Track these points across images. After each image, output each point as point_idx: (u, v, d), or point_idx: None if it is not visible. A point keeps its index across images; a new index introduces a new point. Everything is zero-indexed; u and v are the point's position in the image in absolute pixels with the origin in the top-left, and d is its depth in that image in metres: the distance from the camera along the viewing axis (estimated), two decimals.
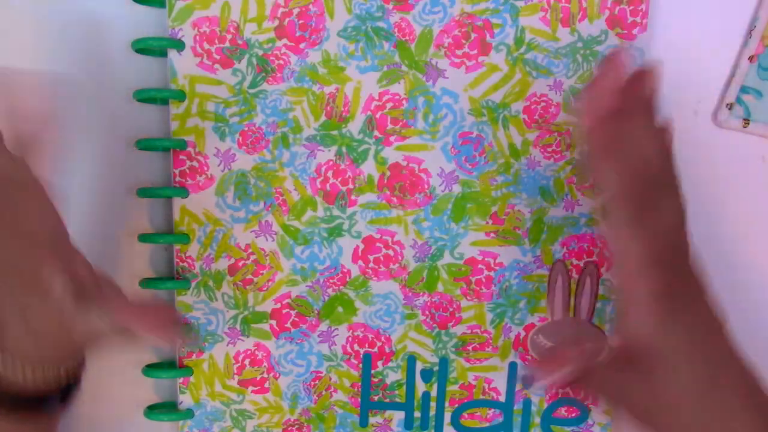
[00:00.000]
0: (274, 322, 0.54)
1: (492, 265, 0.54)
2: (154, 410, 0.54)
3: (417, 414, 0.55)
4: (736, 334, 0.57)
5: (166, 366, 0.54)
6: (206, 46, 0.51)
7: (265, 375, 0.55)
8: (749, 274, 0.57)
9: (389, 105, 0.52)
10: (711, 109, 0.56)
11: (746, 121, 0.55)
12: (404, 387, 0.55)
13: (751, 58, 0.54)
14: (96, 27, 0.52)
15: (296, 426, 0.55)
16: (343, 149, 0.53)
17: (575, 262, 0.54)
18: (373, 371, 0.55)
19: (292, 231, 0.53)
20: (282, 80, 0.52)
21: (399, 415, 0.55)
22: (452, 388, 0.55)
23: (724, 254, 0.57)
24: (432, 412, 0.55)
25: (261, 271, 0.53)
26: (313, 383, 0.55)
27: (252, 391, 0.55)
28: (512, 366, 0.55)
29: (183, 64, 0.51)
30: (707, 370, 0.43)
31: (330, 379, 0.55)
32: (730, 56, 0.55)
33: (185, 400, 0.54)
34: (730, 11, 0.55)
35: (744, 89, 0.55)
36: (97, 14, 0.52)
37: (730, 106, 0.55)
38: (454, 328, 0.55)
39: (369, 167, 0.53)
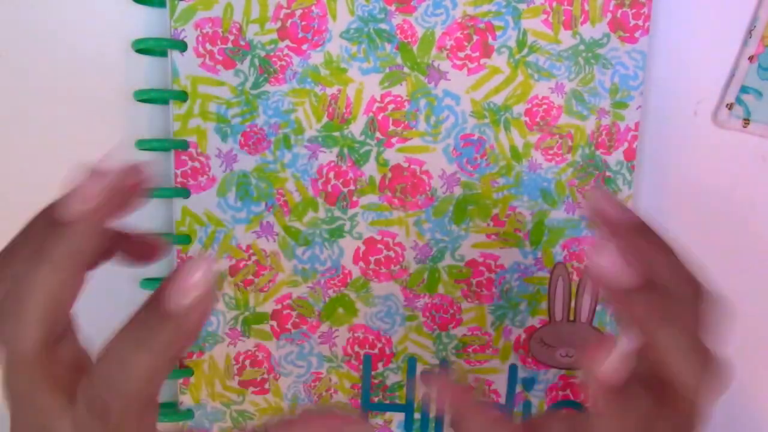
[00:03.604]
0: (274, 323, 0.54)
1: (493, 267, 0.54)
2: None
3: (417, 415, 0.55)
4: (737, 337, 0.57)
5: None
6: (209, 47, 0.51)
7: (266, 376, 0.55)
8: (749, 274, 0.57)
9: (391, 107, 0.52)
10: (711, 109, 0.56)
11: (746, 121, 0.55)
12: (404, 388, 0.55)
13: (751, 58, 0.55)
14: (96, 27, 0.52)
15: None
16: (345, 150, 0.53)
17: (576, 264, 0.54)
18: (373, 372, 0.55)
19: (293, 232, 0.53)
20: (284, 81, 0.52)
21: (399, 417, 0.55)
22: None
23: (723, 254, 0.57)
24: (432, 414, 0.55)
25: (262, 272, 0.53)
26: (313, 384, 0.55)
27: (252, 392, 0.55)
28: (512, 368, 0.55)
29: (185, 65, 0.51)
30: None
31: (330, 380, 0.55)
32: (730, 56, 0.56)
33: (185, 400, 0.54)
34: (730, 11, 0.55)
35: (744, 89, 0.55)
36: (97, 14, 0.52)
37: (730, 106, 0.55)
38: (455, 329, 0.55)
39: (370, 169, 0.53)
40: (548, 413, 0.48)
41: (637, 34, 0.53)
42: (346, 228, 0.53)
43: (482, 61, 0.53)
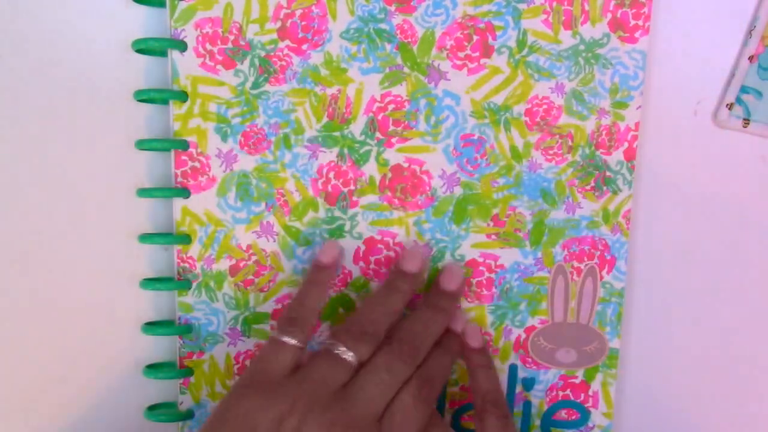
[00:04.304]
0: (275, 323, 0.54)
1: (493, 267, 0.54)
2: (154, 411, 0.54)
3: None
4: (734, 335, 0.57)
5: (167, 366, 0.54)
6: (209, 47, 0.51)
7: None
8: (748, 273, 0.57)
9: (391, 107, 0.52)
10: (711, 109, 0.56)
11: (746, 121, 0.55)
12: None
13: (751, 58, 0.55)
14: (96, 27, 0.52)
15: None
16: (345, 150, 0.53)
17: (576, 264, 0.54)
18: None
19: (293, 232, 0.53)
20: (284, 81, 0.52)
21: None
22: (453, 390, 0.55)
23: (723, 254, 0.57)
24: None
25: (262, 272, 0.53)
26: None
27: None
28: (512, 368, 0.55)
29: (185, 65, 0.51)
30: None
31: None
32: (730, 56, 0.56)
33: (185, 400, 0.54)
34: (730, 11, 0.55)
35: (744, 89, 0.55)
36: (97, 14, 0.52)
37: (730, 106, 0.55)
38: None
39: (370, 168, 0.53)
40: None
41: (637, 34, 0.53)
42: (346, 228, 0.53)
43: (482, 61, 0.53)
